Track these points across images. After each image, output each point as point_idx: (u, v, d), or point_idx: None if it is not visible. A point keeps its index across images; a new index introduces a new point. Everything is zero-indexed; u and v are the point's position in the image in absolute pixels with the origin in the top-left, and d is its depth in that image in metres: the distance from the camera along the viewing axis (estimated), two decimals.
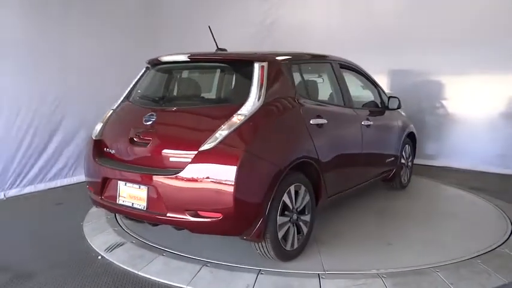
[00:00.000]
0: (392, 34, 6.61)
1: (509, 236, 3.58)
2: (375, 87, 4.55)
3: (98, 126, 3.40)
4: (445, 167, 6.35)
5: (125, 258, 3.19)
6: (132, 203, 2.93)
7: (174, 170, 2.73)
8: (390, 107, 4.47)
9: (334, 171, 3.46)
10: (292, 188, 2.94)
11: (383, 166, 4.49)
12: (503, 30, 5.84)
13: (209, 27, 3.59)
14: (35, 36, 4.97)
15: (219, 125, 2.72)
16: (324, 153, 3.23)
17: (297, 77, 3.33)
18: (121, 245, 3.38)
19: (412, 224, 3.96)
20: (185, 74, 3.62)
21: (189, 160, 2.68)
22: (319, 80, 3.85)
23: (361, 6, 7.02)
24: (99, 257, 3.26)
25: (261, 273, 2.87)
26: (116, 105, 3.51)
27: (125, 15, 6.02)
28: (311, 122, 3.18)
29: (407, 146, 4.96)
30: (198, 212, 2.67)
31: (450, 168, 6.32)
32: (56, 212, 4.46)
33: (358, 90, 4.61)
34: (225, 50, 3.46)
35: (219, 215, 2.62)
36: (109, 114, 3.46)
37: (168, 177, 2.73)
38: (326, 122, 3.32)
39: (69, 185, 5.37)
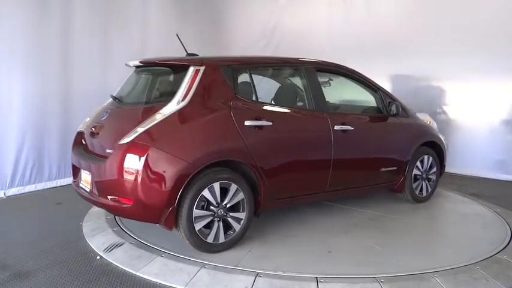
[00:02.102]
0: (394, 39, 6.63)
1: (508, 242, 3.57)
2: (376, 92, 4.36)
3: (85, 120, 3.82)
4: (445, 173, 6.33)
5: (124, 258, 3.19)
6: (85, 186, 3.42)
7: (103, 159, 3.16)
8: (389, 112, 4.30)
9: (285, 175, 3.52)
10: (216, 185, 3.12)
11: (375, 175, 4.25)
12: (505, 37, 5.84)
13: (177, 35, 3.86)
14: (36, 33, 5.00)
15: (141, 122, 3.06)
16: (264, 155, 3.34)
17: (242, 81, 3.51)
18: (120, 246, 3.38)
19: (409, 228, 3.93)
20: (140, 76, 3.79)
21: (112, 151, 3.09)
22: (275, 83, 4.14)
23: (362, 12, 7.04)
24: (98, 257, 3.27)
25: (259, 276, 2.87)
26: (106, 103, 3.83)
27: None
28: (246, 123, 3.27)
29: (425, 156, 4.56)
30: (118, 197, 3.04)
31: (450, 173, 6.30)
32: (55, 212, 4.47)
33: (350, 95, 4.64)
34: (195, 55, 3.65)
35: (131, 202, 2.97)
36: (96, 110, 3.81)
37: (97, 165, 3.21)
38: (270, 124, 3.39)
39: (69, 184, 5.36)
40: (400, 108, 4.31)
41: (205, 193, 3.09)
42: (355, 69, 4.31)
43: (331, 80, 4.34)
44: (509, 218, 4.21)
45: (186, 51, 3.76)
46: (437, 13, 6.33)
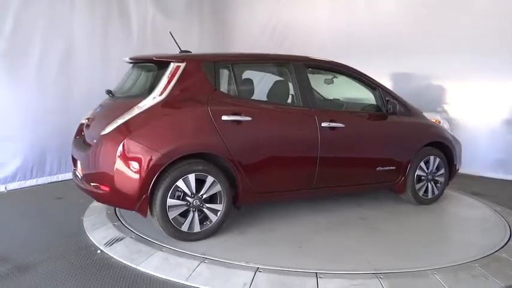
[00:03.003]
0: (396, 38, 6.60)
1: (508, 241, 3.57)
2: (375, 89, 4.23)
3: (88, 112, 3.94)
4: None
5: (124, 252, 3.21)
6: (79, 174, 3.64)
7: (90, 148, 3.39)
8: (387, 111, 4.17)
9: (265, 170, 3.58)
10: (191, 176, 3.23)
11: (370, 174, 4.18)
12: (507, 35, 5.83)
13: (170, 32, 4.02)
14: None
15: (122, 114, 3.24)
16: (242, 150, 3.41)
17: (225, 77, 3.60)
18: (120, 240, 3.40)
19: (399, 228, 3.87)
20: (133, 72, 3.88)
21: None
22: (261, 80, 4.28)
23: (364, 10, 7.02)
24: (99, 251, 3.28)
25: (259, 271, 2.88)
26: None
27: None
28: (223, 118, 3.33)
29: (431, 157, 4.40)
30: (99, 184, 3.25)
31: None
32: (56, 206, 4.49)
33: (348, 93, 4.62)
34: (188, 51, 3.78)
35: (108, 189, 3.17)
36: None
37: (84, 154, 3.46)
38: (249, 119, 3.44)
39: (70, 179, 5.37)
40: (398, 107, 4.17)
41: (180, 184, 3.21)
42: (352, 67, 4.20)
43: (336, 77, 4.33)
44: (509, 217, 4.21)
45: (180, 49, 3.89)
46: (440, 12, 6.31)
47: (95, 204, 4.25)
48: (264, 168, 3.58)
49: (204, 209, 3.33)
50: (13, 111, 4.88)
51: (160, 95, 3.27)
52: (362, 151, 4.11)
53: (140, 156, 3.10)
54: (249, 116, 3.45)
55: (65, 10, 5.26)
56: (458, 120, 6.44)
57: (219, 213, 3.39)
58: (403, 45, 6.54)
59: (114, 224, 3.71)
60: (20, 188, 4.99)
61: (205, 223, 3.36)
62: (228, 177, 3.41)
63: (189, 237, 3.31)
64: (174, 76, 3.33)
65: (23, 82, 4.93)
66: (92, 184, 3.34)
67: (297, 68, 3.87)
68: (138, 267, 2.99)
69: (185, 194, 3.26)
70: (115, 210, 4.02)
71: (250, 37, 7.63)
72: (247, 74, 4.15)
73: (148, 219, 3.39)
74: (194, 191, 3.27)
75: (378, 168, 4.16)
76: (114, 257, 3.17)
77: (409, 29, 6.55)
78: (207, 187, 3.31)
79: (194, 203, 3.27)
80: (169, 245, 3.24)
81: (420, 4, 6.52)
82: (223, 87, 3.56)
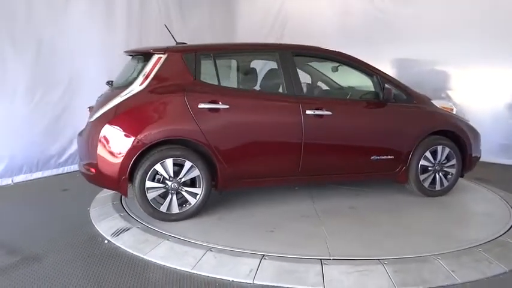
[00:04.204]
0: (398, 23, 6.58)
1: (511, 225, 3.58)
2: (373, 76, 4.13)
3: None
4: None
5: (131, 242, 3.25)
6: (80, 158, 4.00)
7: (83, 134, 3.77)
8: (383, 98, 4.03)
9: (244, 157, 3.70)
10: (169, 161, 3.45)
11: (364, 163, 4.08)
12: (509, 21, 5.78)
13: (165, 25, 4.22)
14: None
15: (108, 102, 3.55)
16: (220, 136, 3.56)
17: (207, 67, 3.73)
18: (127, 230, 3.44)
19: (412, 211, 3.92)
20: (129, 63, 4.03)
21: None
22: (245, 69, 4.39)
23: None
24: (106, 241, 3.33)
25: (264, 259, 2.91)
26: None
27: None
28: (199, 106, 3.48)
29: (439, 147, 4.19)
30: (88, 166, 3.56)
31: None
32: (62, 198, 4.54)
33: (343, 80, 4.57)
34: (184, 43, 3.93)
35: (94, 170, 3.48)
36: None
37: (79, 139, 3.86)
38: (227, 107, 3.56)
39: (75, 171, 5.42)
40: (394, 94, 4.03)
41: (158, 167, 3.44)
42: (347, 53, 4.13)
43: (340, 65, 4.27)
44: None
45: (175, 40, 4.02)
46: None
47: (101, 195, 4.30)
48: (243, 155, 3.70)
49: (182, 192, 3.53)
50: (17, 103, 4.91)
51: (141, 84, 3.52)
52: (352, 139, 4.04)
53: (119, 141, 3.40)
54: (226, 104, 3.56)
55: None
56: (461, 106, 6.40)
57: (197, 197, 3.57)
58: (405, 31, 6.50)
59: (120, 215, 3.75)
60: (26, 181, 5.04)
61: (184, 205, 3.57)
62: (208, 162, 3.57)
63: (168, 217, 3.53)
64: (155, 67, 3.55)
65: (29, 71, 4.93)
66: (84, 166, 3.68)
67: (283, 56, 3.90)
68: (145, 257, 3.03)
69: (164, 177, 3.47)
70: (121, 200, 4.06)
71: (253, 26, 7.59)
72: (246, 64, 4.39)
73: None
74: (172, 175, 3.48)
75: (372, 157, 4.05)
76: (122, 246, 3.22)
77: (410, 15, 6.51)
78: (185, 171, 3.51)
79: (172, 186, 3.49)
80: (175, 234, 3.28)
81: None
82: (204, 76, 3.69)
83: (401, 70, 6.74)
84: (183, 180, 3.52)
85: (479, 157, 4.56)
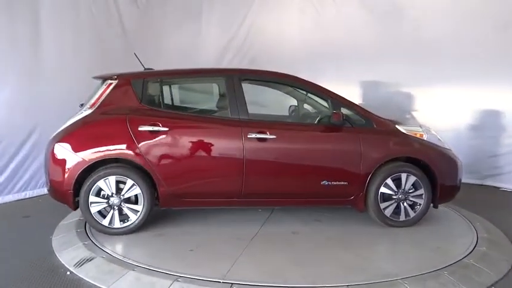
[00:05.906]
0: (365, 46, 6.79)
1: (475, 247, 3.65)
2: (327, 100, 4.12)
3: None
4: None
5: (94, 273, 3.14)
6: None
7: None
8: (329, 122, 3.97)
9: (182, 177, 3.87)
10: (112, 178, 3.72)
11: (313, 188, 4.00)
12: (470, 45, 6.10)
13: (135, 54, 4.46)
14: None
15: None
16: (158, 158, 3.77)
17: (154, 91, 4.06)
18: (90, 260, 3.32)
19: (373, 234, 3.93)
20: (95, 87, 4.14)
21: None
22: (186, 93, 4.82)
23: (334, 21, 7.19)
24: (68, 273, 3.20)
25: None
26: None
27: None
28: (139, 129, 3.69)
29: (403, 174, 4.00)
30: (48, 181, 3.90)
31: None
32: (23, 225, 4.34)
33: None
34: (151, 69, 4.24)
35: (49, 185, 3.87)
36: None
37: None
38: (166, 129, 3.76)
39: (37, 196, 5.24)
40: (345, 118, 3.93)
41: (101, 183, 3.72)
42: (300, 77, 4.15)
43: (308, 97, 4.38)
44: (475, 222, 4.32)
45: (144, 67, 4.30)
46: (407, 21, 6.57)
47: (64, 222, 4.16)
48: (182, 176, 3.87)
49: (124, 208, 3.78)
50: None
51: (91, 107, 3.81)
52: (298, 164, 3.98)
53: (65, 159, 3.70)
54: (166, 127, 3.76)
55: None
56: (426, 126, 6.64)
57: (138, 214, 3.79)
58: (373, 53, 6.71)
59: (84, 243, 3.62)
60: None
61: (125, 221, 3.79)
62: (150, 181, 3.78)
63: (109, 230, 3.78)
64: (106, 91, 3.84)
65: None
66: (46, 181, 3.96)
67: (229, 80, 4.04)
68: None
69: (107, 193, 3.74)
70: (85, 228, 3.94)
71: (218, 50, 7.66)
72: (193, 88, 4.88)
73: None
74: (114, 191, 3.74)
75: (323, 182, 3.97)
76: (85, 278, 3.10)
77: (379, 38, 6.75)
78: (127, 189, 3.76)
79: (114, 202, 3.73)
80: (141, 264, 3.19)
81: (390, 13, 6.74)
82: (150, 101, 3.97)
83: (368, 91, 6.95)
84: (125, 196, 3.76)
85: (458, 186, 4.32)
